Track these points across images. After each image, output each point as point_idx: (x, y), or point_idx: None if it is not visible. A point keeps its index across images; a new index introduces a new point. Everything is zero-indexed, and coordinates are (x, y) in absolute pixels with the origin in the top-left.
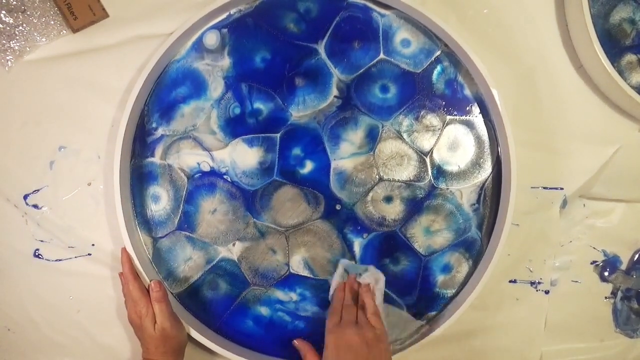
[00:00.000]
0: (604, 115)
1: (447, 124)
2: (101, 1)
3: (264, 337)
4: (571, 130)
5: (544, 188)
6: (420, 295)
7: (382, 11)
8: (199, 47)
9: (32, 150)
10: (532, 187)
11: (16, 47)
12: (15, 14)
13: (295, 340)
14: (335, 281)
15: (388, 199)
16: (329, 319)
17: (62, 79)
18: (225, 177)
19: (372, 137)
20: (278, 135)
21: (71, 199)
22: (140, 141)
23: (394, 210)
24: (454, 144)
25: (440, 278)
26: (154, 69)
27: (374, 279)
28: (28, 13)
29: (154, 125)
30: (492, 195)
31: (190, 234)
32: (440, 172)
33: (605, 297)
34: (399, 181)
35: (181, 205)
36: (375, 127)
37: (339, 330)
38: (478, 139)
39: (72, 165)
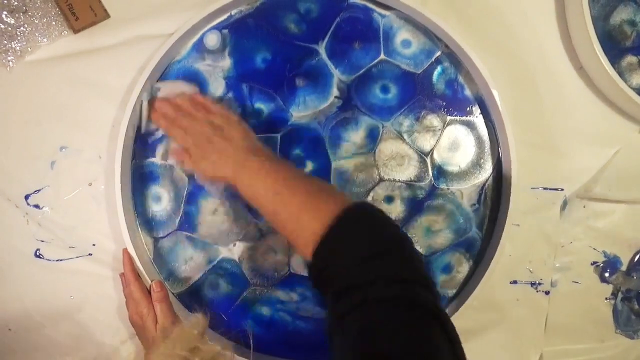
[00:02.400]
0: (605, 116)
1: (448, 125)
2: (102, 2)
3: (264, 337)
4: (571, 132)
5: (544, 189)
6: None
7: (383, 12)
8: (199, 47)
9: (33, 150)
10: (532, 188)
11: (17, 48)
12: (17, 15)
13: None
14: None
15: (389, 199)
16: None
17: (64, 79)
18: None
19: (373, 138)
20: (279, 135)
21: (72, 199)
22: (141, 141)
23: (395, 211)
24: (455, 144)
25: (441, 278)
26: (155, 70)
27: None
28: (29, 14)
29: (154, 125)
30: (493, 196)
31: (191, 234)
32: (440, 173)
33: (606, 298)
34: (399, 181)
35: (182, 206)
36: (375, 127)
37: (174, 126)
38: (478, 140)
39: (73, 166)
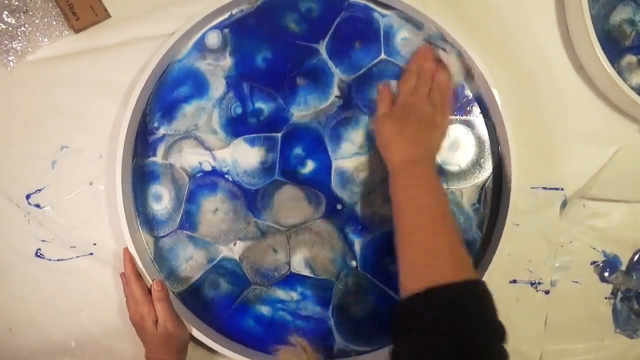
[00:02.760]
0: (604, 116)
1: (448, 124)
2: (103, 2)
3: (265, 336)
4: (571, 131)
5: (544, 188)
6: None
7: (383, 11)
8: (200, 47)
9: (34, 150)
10: (532, 188)
11: (18, 48)
12: (18, 15)
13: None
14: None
15: (389, 199)
16: (403, 79)
17: (64, 79)
18: (226, 176)
19: (373, 137)
20: (279, 134)
21: (73, 198)
22: (142, 141)
23: None
24: (455, 144)
25: None
26: (156, 69)
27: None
28: (30, 14)
29: (155, 124)
30: (493, 195)
31: (192, 233)
32: (441, 172)
33: (605, 298)
34: None
35: (183, 205)
36: None
37: (410, 97)
38: (478, 139)
39: (74, 165)
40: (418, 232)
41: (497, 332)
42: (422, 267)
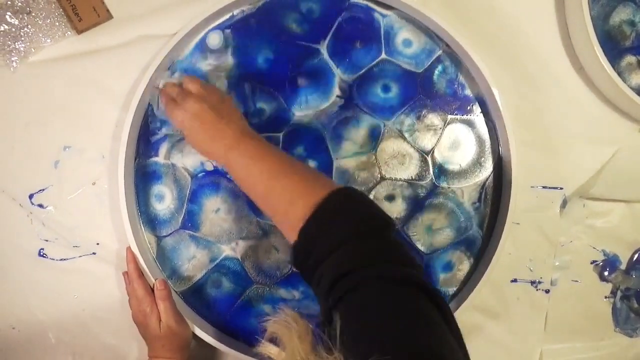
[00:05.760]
0: (604, 116)
1: (448, 124)
2: (105, 3)
3: None
4: (571, 131)
5: (544, 187)
6: None
7: (384, 12)
8: (202, 47)
9: (37, 150)
10: (532, 187)
11: (21, 48)
12: (21, 16)
13: None
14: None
15: (390, 198)
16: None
17: (67, 80)
18: (228, 176)
19: (374, 137)
20: (281, 134)
21: (76, 198)
22: (144, 141)
23: (396, 209)
24: (455, 143)
25: (442, 276)
26: (158, 69)
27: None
28: (33, 14)
29: (157, 124)
30: (493, 194)
31: (194, 233)
32: (441, 171)
33: (605, 297)
34: (400, 180)
35: (185, 204)
36: (377, 126)
37: (178, 106)
38: (479, 138)
39: (77, 165)
40: (272, 189)
41: (386, 218)
42: (291, 207)
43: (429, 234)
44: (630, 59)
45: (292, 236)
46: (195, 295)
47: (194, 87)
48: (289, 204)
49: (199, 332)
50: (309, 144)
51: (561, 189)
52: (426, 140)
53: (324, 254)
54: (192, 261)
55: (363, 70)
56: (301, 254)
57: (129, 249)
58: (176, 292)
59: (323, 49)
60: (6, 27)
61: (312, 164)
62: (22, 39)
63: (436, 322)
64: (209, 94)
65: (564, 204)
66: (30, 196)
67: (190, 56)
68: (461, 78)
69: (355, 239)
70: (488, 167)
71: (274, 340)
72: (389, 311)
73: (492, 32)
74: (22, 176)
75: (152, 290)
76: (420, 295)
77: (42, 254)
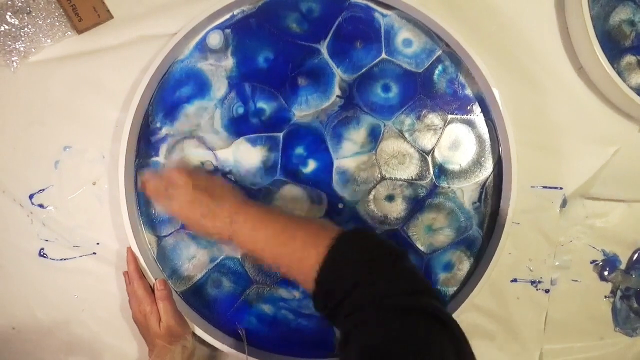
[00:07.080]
0: (604, 115)
1: (449, 123)
2: (105, 3)
3: (267, 335)
4: (571, 131)
5: (544, 187)
6: None
7: (384, 11)
8: (202, 47)
9: (37, 150)
10: (532, 187)
11: (21, 48)
12: (21, 16)
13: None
14: None
15: (390, 198)
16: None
17: (67, 80)
18: (228, 176)
19: (374, 136)
20: (281, 134)
21: (76, 198)
22: (145, 141)
23: (396, 209)
24: (455, 143)
25: (442, 276)
26: (158, 69)
27: None
28: (33, 14)
29: (158, 125)
30: (493, 194)
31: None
32: (441, 171)
33: (605, 296)
34: (400, 180)
35: None
36: (377, 126)
37: (171, 200)
38: (479, 138)
39: (77, 165)
40: (282, 249)
41: (397, 250)
42: (302, 263)
43: (429, 233)
44: (630, 58)
45: (308, 286)
46: (196, 295)
47: (179, 177)
48: (299, 260)
49: (199, 332)
50: (309, 144)
51: (561, 188)
52: (426, 140)
53: (342, 296)
54: (192, 261)
55: (363, 70)
56: (321, 301)
57: (129, 249)
58: (176, 292)
59: (323, 48)
60: (6, 27)
61: (312, 163)
62: (22, 39)
63: (442, 348)
64: (195, 178)
65: (564, 203)
66: (31, 196)
67: (190, 56)
68: (461, 78)
69: (369, 276)
70: (488, 167)
71: None
72: (398, 345)
73: (492, 32)
74: (23, 176)
75: (153, 290)
76: (431, 323)
77: (42, 254)
